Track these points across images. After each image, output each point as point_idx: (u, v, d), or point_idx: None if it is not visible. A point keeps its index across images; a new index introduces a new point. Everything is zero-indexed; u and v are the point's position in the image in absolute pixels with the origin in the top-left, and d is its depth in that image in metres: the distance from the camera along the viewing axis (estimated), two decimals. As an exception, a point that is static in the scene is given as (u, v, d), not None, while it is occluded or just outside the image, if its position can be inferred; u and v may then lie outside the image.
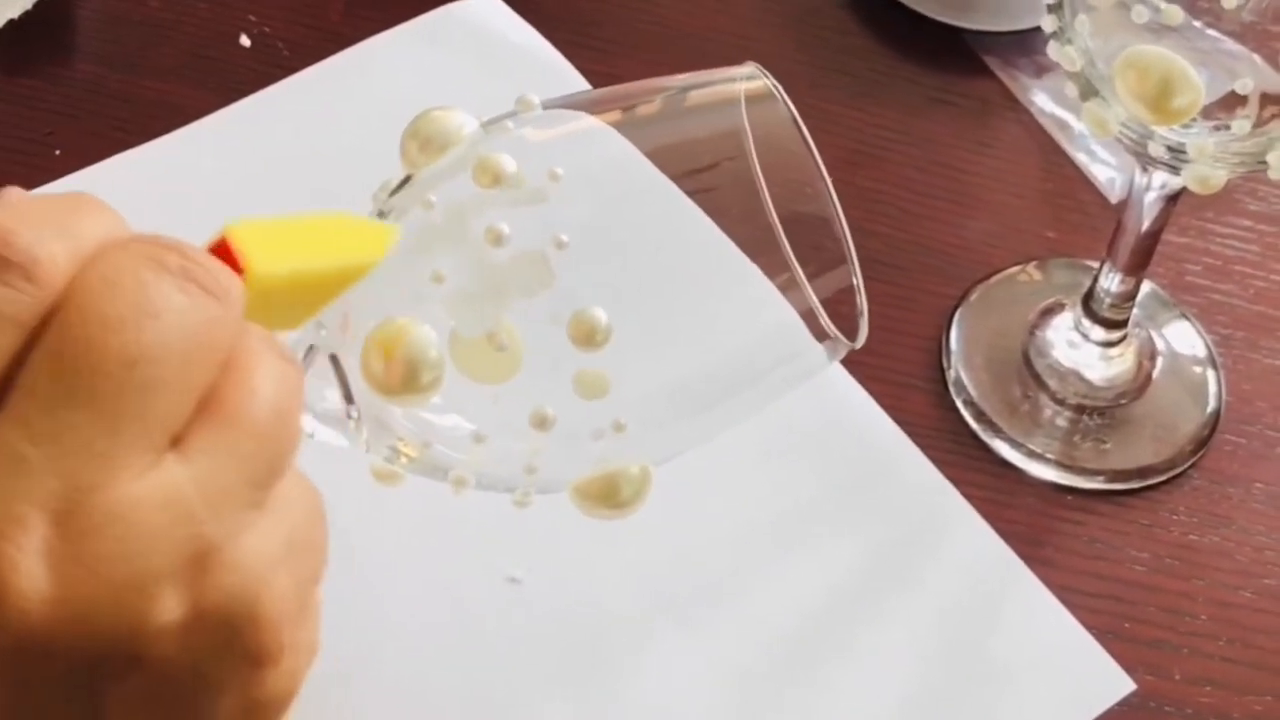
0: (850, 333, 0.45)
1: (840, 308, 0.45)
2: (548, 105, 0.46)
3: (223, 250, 0.34)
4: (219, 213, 0.71)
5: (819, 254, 0.44)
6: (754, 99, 0.45)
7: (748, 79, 0.45)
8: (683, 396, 0.45)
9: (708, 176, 0.44)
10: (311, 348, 0.45)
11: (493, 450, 0.43)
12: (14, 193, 0.34)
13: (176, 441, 0.32)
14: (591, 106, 0.46)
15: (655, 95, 0.46)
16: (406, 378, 0.42)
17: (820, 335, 0.45)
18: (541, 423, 0.42)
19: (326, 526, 0.36)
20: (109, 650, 0.31)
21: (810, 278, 0.44)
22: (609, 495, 0.43)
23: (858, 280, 0.45)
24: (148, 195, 0.72)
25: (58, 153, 0.74)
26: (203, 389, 0.33)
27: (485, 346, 0.42)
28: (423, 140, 0.44)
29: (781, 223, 0.43)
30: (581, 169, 0.44)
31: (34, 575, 0.30)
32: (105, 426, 0.31)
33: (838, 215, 0.45)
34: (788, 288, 0.44)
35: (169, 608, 0.32)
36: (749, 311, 0.45)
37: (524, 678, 0.60)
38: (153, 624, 0.32)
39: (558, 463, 0.43)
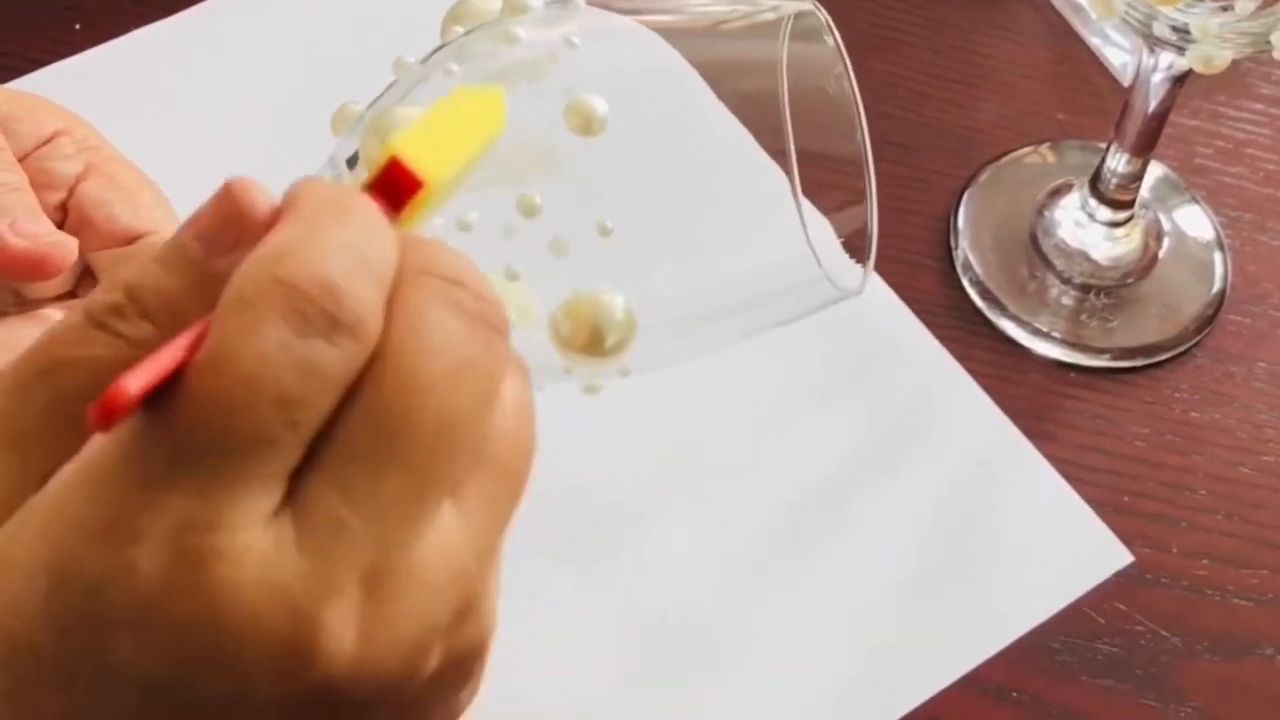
0: (855, 275, 0.45)
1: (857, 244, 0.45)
2: (591, 2, 0.46)
3: (396, 170, 0.34)
4: (240, 86, 0.73)
5: (842, 193, 0.45)
6: (807, 34, 0.45)
7: (798, 13, 0.45)
8: (680, 304, 0.44)
9: (738, 99, 0.44)
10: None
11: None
12: (303, 203, 0.32)
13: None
14: (631, 10, 0.46)
15: (700, 9, 0.47)
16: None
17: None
18: (529, 211, 0.42)
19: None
20: (382, 701, 0.32)
21: (829, 213, 0.44)
22: (592, 343, 0.42)
23: (873, 229, 0.44)
24: (167, 70, 0.73)
25: (77, 27, 0.75)
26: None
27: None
28: (465, 24, 0.44)
29: (812, 157, 0.44)
30: (615, 60, 0.45)
31: (343, 639, 0.31)
32: (415, 491, 0.32)
33: (867, 161, 0.44)
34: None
35: (435, 661, 0.33)
36: (762, 233, 0.45)
37: (530, 557, 0.61)
38: (421, 677, 0.33)
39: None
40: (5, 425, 0.32)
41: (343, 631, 0.31)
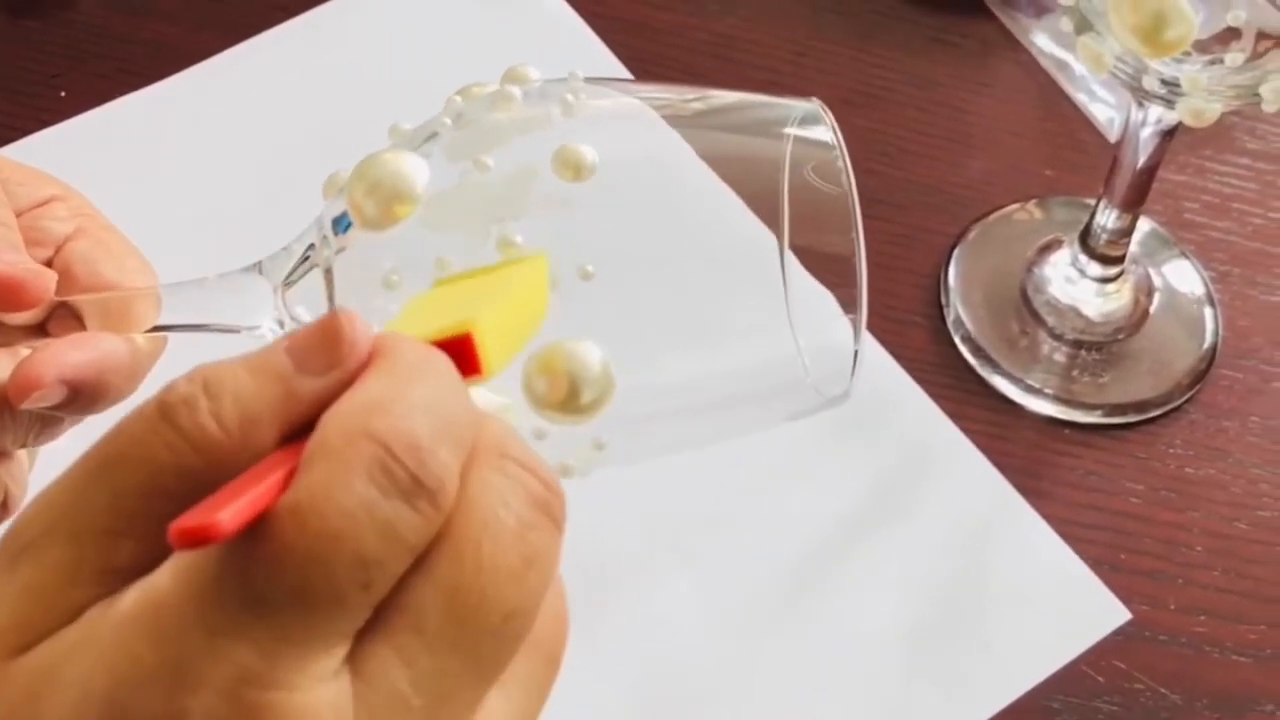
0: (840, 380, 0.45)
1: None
2: (591, 82, 0.46)
3: (466, 346, 0.34)
4: (224, 153, 0.72)
5: (834, 293, 0.44)
6: (810, 132, 0.45)
7: (804, 117, 0.45)
8: (663, 398, 0.44)
9: (735, 188, 0.44)
10: (307, 258, 0.46)
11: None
12: (394, 355, 0.33)
13: None
14: (632, 90, 0.47)
15: (708, 101, 0.47)
16: (388, 204, 0.42)
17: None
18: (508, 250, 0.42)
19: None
20: None
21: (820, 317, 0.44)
22: (568, 400, 0.41)
23: (860, 334, 0.44)
24: (153, 137, 0.73)
25: (63, 94, 0.74)
26: None
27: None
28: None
29: (805, 256, 0.43)
30: (610, 130, 0.44)
31: None
32: (474, 677, 0.32)
33: (860, 263, 0.44)
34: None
35: None
36: (756, 330, 0.45)
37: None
38: None
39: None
40: (67, 517, 0.32)
41: None
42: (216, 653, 0.29)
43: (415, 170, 0.42)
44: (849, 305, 0.44)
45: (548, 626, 0.34)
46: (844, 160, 0.44)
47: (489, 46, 0.77)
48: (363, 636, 0.31)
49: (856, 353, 0.44)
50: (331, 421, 0.31)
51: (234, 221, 0.70)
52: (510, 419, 0.41)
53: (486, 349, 0.34)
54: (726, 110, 0.47)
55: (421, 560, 0.31)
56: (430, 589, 0.31)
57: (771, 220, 0.43)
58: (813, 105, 0.45)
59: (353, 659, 0.31)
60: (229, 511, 0.29)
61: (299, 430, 0.32)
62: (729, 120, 0.46)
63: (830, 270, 0.44)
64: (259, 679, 0.29)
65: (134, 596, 0.30)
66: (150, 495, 0.31)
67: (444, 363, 0.33)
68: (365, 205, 0.42)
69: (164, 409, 0.31)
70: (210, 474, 0.31)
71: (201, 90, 0.75)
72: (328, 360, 0.32)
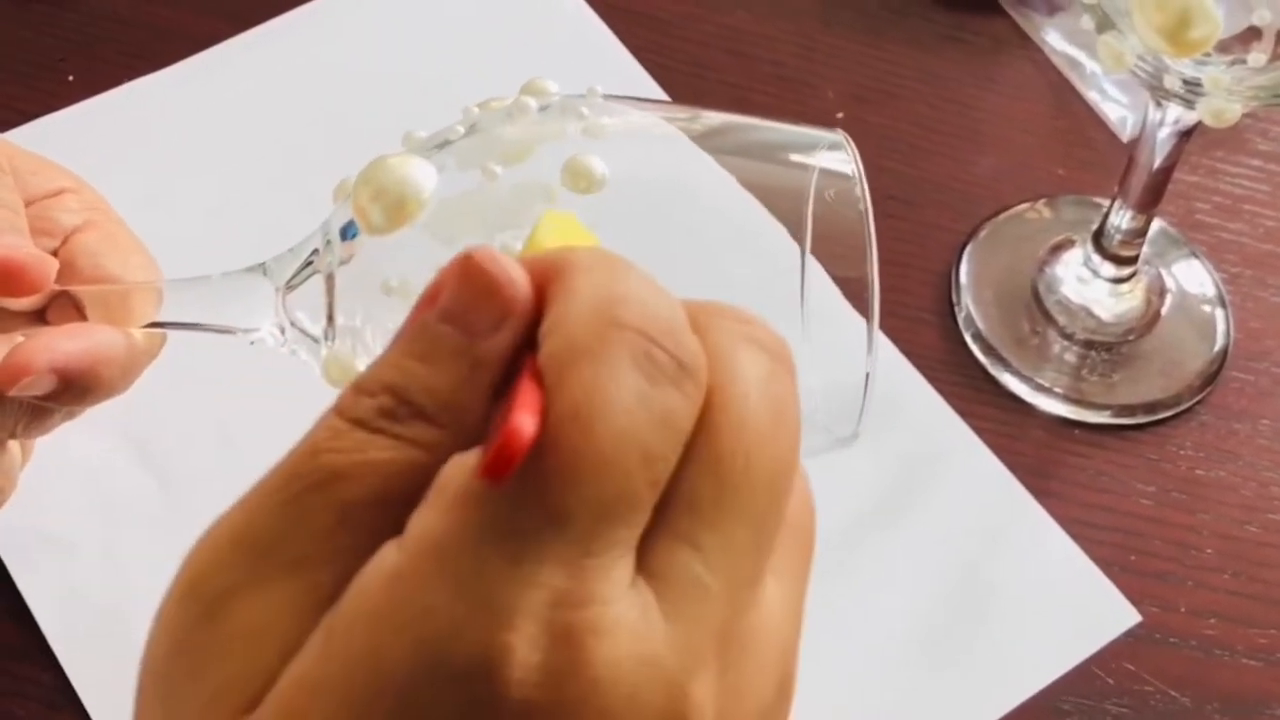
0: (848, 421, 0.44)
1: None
2: (610, 99, 0.46)
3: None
4: (231, 140, 0.72)
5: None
6: (831, 158, 0.44)
7: (830, 146, 0.45)
8: None
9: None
10: (310, 263, 0.45)
11: None
12: (581, 262, 0.30)
13: None
14: (651, 108, 0.46)
15: (730, 124, 0.46)
16: (393, 209, 0.41)
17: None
18: None
19: None
20: None
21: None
22: None
23: (871, 370, 0.43)
24: (160, 122, 0.73)
25: (70, 79, 0.74)
26: None
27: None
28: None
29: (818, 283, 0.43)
30: (626, 145, 0.44)
31: (705, 711, 0.29)
32: (754, 546, 0.30)
33: (872, 295, 0.43)
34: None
35: None
36: None
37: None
38: None
39: None
40: (282, 546, 0.29)
41: (706, 708, 0.29)
42: (525, 580, 0.27)
43: (421, 176, 0.42)
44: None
45: (798, 507, 0.32)
46: (863, 190, 0.44)
47: (498, 35, 0.77)
48: (644, 535, 0.29)
49: (867, 378, 0.44)
50: (570, 323, 0.29)
51: (239, 208, 0.70)
52: None
53: None
54: (749, 135, 0.46)
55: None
56: (696, 467, 0.29)
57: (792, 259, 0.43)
58: (837, 136, 0.45)
59: (640, 560, 0.29)
60: (524, 417, 0.27)
61: (499, 388, 0.30)
62: (750, 145, 0.46)
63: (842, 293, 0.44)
64: (572, 599, 0.28)
65: (395, 557, 0.28)
66: (379, 504, 0.29)
67: (617, 256, 0.31)
68: (370, 210, 0.42)
69: (361, 422, 0.29)
70: (435, 469, 0.29)
71: (209, 76, 0.75)
72: (495, 315, 0.30)
